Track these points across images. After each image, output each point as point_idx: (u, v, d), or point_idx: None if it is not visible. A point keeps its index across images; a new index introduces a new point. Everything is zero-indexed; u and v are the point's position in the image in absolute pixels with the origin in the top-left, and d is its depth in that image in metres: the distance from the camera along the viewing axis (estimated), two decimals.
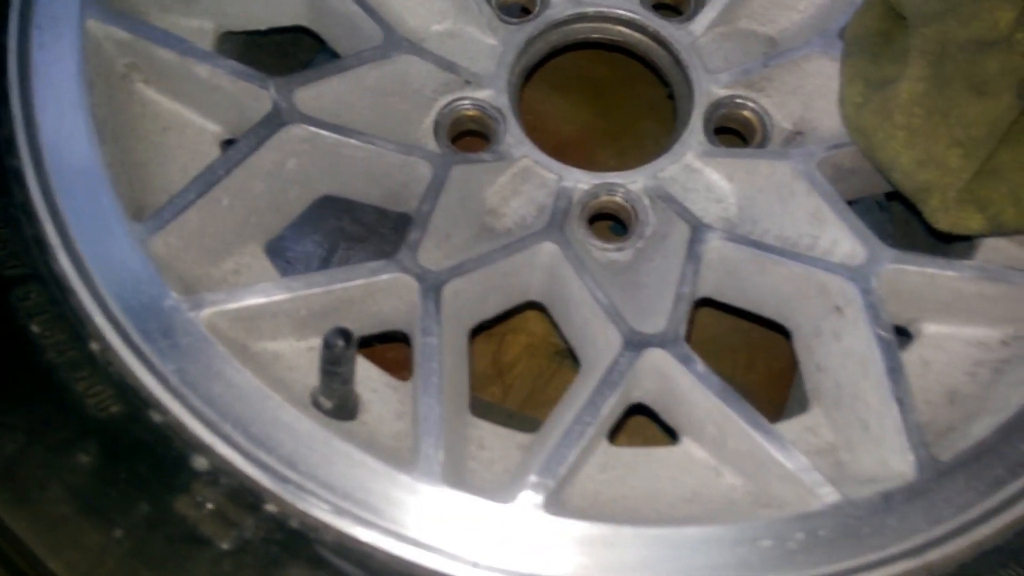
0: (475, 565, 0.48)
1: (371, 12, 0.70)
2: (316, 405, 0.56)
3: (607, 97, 1.04)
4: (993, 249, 0.66)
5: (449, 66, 0.73)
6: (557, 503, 0.52)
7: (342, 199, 0.69)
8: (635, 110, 1.03)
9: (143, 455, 0.48)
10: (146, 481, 0.47)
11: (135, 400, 0.49)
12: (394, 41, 0.70)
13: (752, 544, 0.49)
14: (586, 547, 0.49)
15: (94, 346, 0.51)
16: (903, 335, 0.65)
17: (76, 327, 0.51)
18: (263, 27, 0.73)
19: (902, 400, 0.54)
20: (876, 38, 0.66)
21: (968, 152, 0.58)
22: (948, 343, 0.63)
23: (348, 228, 0.92)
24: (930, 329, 0.64)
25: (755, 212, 0.71)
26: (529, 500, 0.50)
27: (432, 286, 0.58)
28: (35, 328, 0.50)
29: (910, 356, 0.62)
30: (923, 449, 0.52)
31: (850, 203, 0.71)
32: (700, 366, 0.57)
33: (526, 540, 0.49)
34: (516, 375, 0.95)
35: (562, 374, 0.92)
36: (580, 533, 0.50)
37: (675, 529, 0.50)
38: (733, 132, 0.78)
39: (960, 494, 0.51)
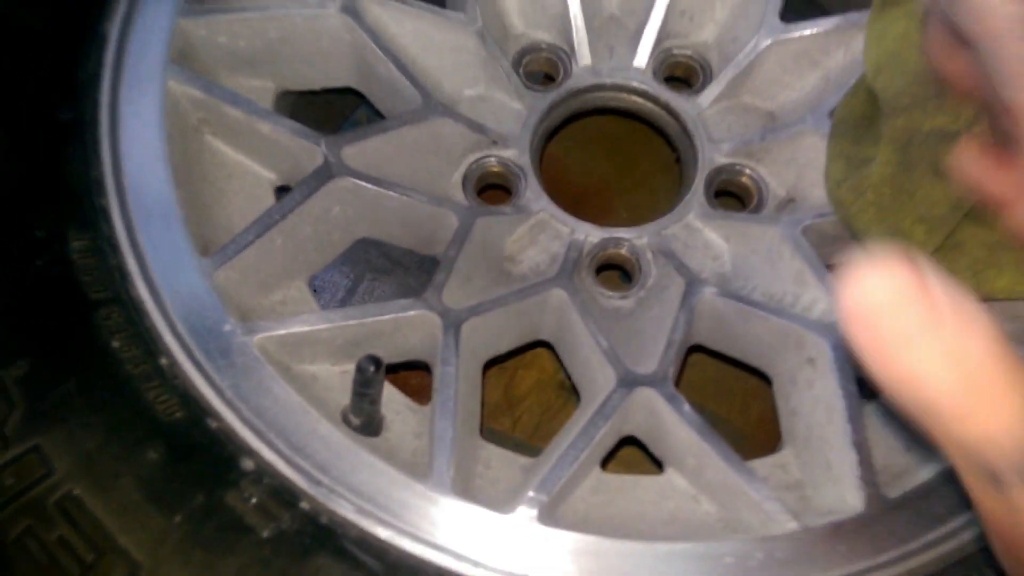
0: (476, 564, 0.55)
1: (412, 79, 0.79)
2: (346, 421, 0.64)
3: (624, 154, 1.13)
4: None
5: (478, 128, 0.82)
6: (550, 517, 0.59)
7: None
8: (650, 167, 1.12)
9: (201, 455, 0.56)
10: (202, 477, 0.55)
11: (196, 408, 0.58)
12: (431, 105, 0.79)
13: (718, 560, 0.57)
14: (573, 555, 0.56)
15: (163, 361, 0.60)
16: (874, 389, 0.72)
17: (149, 344, 0.60)
18: (317, 88, 0.83)
19: (859, 444, 0.61)
20: (860, 121, 0.74)
21: (931, 228, 0.65)
22: None
23: (375, 261, 1.00)
24: None
25: (747, 270, 0.79)
26: (526, 512, 0.58)
27: (453, 323, 0.67)
28: (115, 344, 0.59)
29: (877, 407, 0.70)
30: (873, 487, 0.59)
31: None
32: (684, 405, 0.65)
33: (522, 546, 0.57)
34: (525, 408, 1.03)
35: (568, 409, 1.00)
36: (569, 543, 0.57)
37: (651, 544, 0.57)
38: (733, 195, 0.86)
39: (903, 527, 0.58)
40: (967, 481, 0.35)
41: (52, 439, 0.55)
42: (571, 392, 0.99)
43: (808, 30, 0.82)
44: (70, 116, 0.67)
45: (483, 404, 0.77)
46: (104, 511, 0.53)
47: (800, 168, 0.82)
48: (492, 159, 0.83)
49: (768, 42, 0.83)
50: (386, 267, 1.01)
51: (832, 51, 0.83)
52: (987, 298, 0.68)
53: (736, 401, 1.01)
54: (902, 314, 0.30)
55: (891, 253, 0.31)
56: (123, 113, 0.68)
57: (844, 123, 0.75)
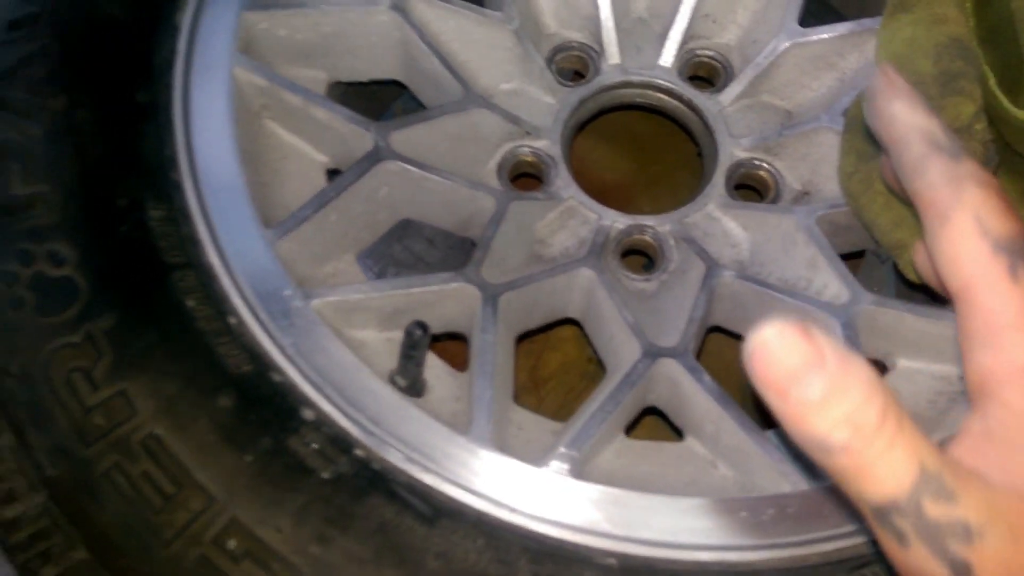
0: (512, 510, 0.61)
1: (454, 73, 0.85)
2: (392, 383, 0.70)
3: (648, 151, 1.18)
4: None
5: (514, 119, 0.88)
6: (579, 472, 0.65)
7: (397, 229, 0.84)
8: (672, 163, 1.17)
9: (266, 404, 0.62)
10: (268, 423, 0.61)
11: (261, 363, 0.64)
12: (471, 97, 0.85)
13: (733, 515, 0.62)
14: (600, 505, 0.62)
15: (232, 320, 0.65)
16: (883, 368, 0.78)
17: (219, 305, 0.66)
18: (365, 79, 0.89)
19: None
20: None
21: None
22: (916, 376, 0.76)
23: (398, 255, 1.06)
24: (903, 364, 0.77)
25: (763, 257, 0.84)
26: (558, 466, 0.64)
27: (491, 295, 0.72)
28: (190, 303, 0.65)
29: None
30: None
31: (851, 255, 0.85)
32: (704, 375, 0.70)
33: (554, 495, 0.62)
34: (550, 388, 1.09)
35: (590, 390, 1.05)
36: (596, 494, 0.62)
37: (671, 498, 0.63)
38: (751, 188, 0.92)
39: None
40: (876, 534, 0.38)
41: (136, 384, 0.61)
42: (594, 376, 1.05)
43: (825, 34, 0.88)
44: (147, 98, 0.73)
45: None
46: (183, 450, 0.59)
47: (814, 163, 0.88)
48: (525, 149, 0.89)
49: (786, 45, 0.88)
50: (409, 261, 1.07)
51: (847, 54, 0.88)
52: None
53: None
54: (789, 351, 0.35)
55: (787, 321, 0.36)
56: (194, 97, 0.74)
57: (856, 120, 0.80)
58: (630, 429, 0.75)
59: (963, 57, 0.69)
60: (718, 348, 0.99)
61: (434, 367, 0.74)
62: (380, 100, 1.02)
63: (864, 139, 0.79)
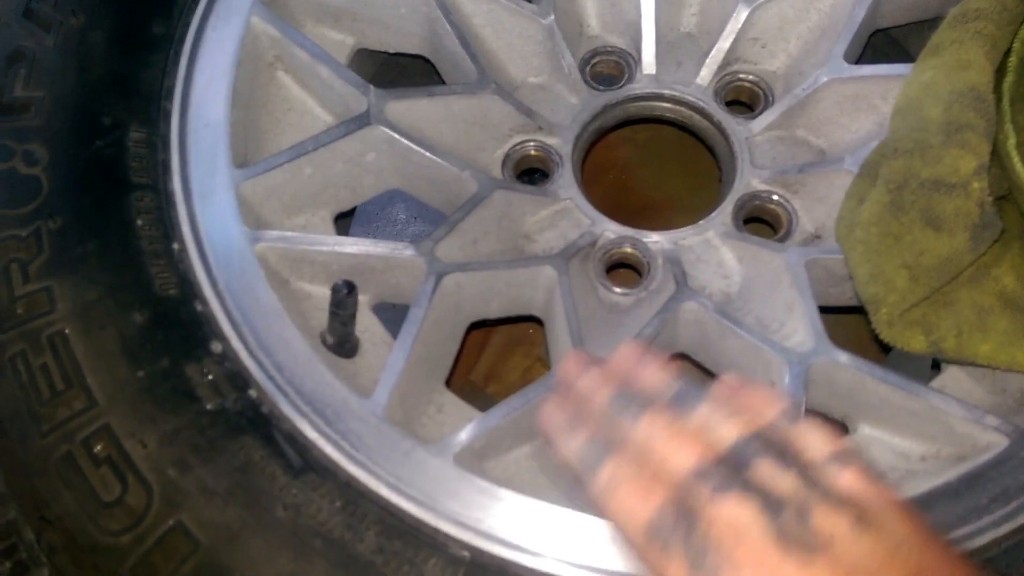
0: (381, 480, 0.60)
1: (472, 57, 0.84)
2: (322, 340, 0.70)
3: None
4: (953, 378, 0.71)
5: (528, 112, 0.87)
6: (469, 462, 0.63)
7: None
8: (694, 184, 1.11)
9: (179, 329, 0.64)
10: (173, 347, 0.63)
11: (188, 291, 0.66)
12: (484, 83, 0.84)
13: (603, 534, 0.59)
14: (473, 497, 0.60)
15: (175, 246, 0.68)
16: (844, 429, 0.72)
17: (168, 230, 0.68)
18: (391, 51, 0.90)
19: None
20: (880, 163, 0.73)
21: (915, 276, 0.64)
22: (874, 445, 0.69)
23: None
24: (864, 430, 0.70)
25: (750, 292, 0.79)
26: (444, 450, 0.62)
27: (437, 272, 0.72)
28: (140, 222, 0.68)
29: None
30: None
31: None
32: None
33: (427, 476, 0.61)
34: None
35: None
36: (474, 485, 0.61)
37: (551, 506, 0.60)
38: (764, 222, 0.86)
39: None
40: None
41: (62, 284, 0.64)
42: None
43: (868, 73, 0.82)
44: (161, 31, 0.77)
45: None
46: (83, 352, 0.62)
47: (831, 206, 0.81)
48: (534, 143, 0.87)
49: (826, 79, 0.83)
50: None
51: (891, 97, 0.82)
52: (966, 362, 0.66)
53: None
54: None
55: None
56: (206, 36, 0.78)
57: (868, 165, 0.74)
58: None
59: (976, 109, 0.63)
60: None
61: (374, 333, 0.74)
62: (409, 76, 1.03)
63: (870, 186, 0.73)
